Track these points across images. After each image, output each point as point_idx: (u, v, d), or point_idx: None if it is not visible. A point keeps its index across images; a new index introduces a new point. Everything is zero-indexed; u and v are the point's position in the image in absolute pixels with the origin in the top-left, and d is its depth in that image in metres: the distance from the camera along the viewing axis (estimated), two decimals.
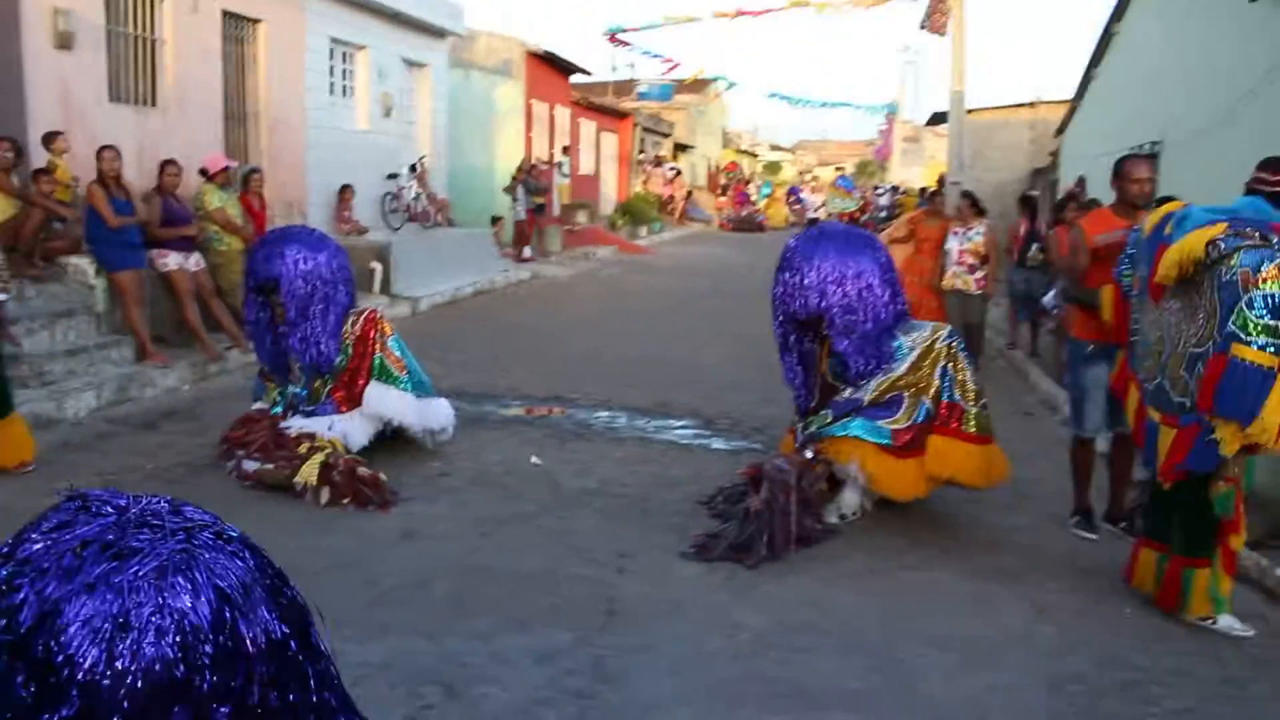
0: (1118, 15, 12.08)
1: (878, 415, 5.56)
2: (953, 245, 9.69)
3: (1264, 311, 3.89)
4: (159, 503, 1.18)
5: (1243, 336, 3.92)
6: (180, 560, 1.08)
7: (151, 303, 8.50)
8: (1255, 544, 4.98)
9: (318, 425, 5.96)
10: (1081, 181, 12.79)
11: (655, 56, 28.50)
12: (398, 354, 6.34)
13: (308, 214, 13.19)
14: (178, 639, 1.03)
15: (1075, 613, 4.62)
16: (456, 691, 3.63)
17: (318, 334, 6.06)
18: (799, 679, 3.85)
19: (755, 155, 60.64)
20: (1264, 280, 3.91)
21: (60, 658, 0.98)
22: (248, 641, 1.07)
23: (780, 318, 5.97)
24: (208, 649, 1.04)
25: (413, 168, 15.92)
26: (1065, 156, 15.38)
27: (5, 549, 1.10)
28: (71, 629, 0.99)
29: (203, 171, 9.44)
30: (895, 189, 31.50)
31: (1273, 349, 3.87)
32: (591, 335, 11.66)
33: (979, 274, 9.59)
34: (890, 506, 5.73)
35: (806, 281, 5.65)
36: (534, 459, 6.60)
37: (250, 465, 5.82)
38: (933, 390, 5.55)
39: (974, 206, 10.49)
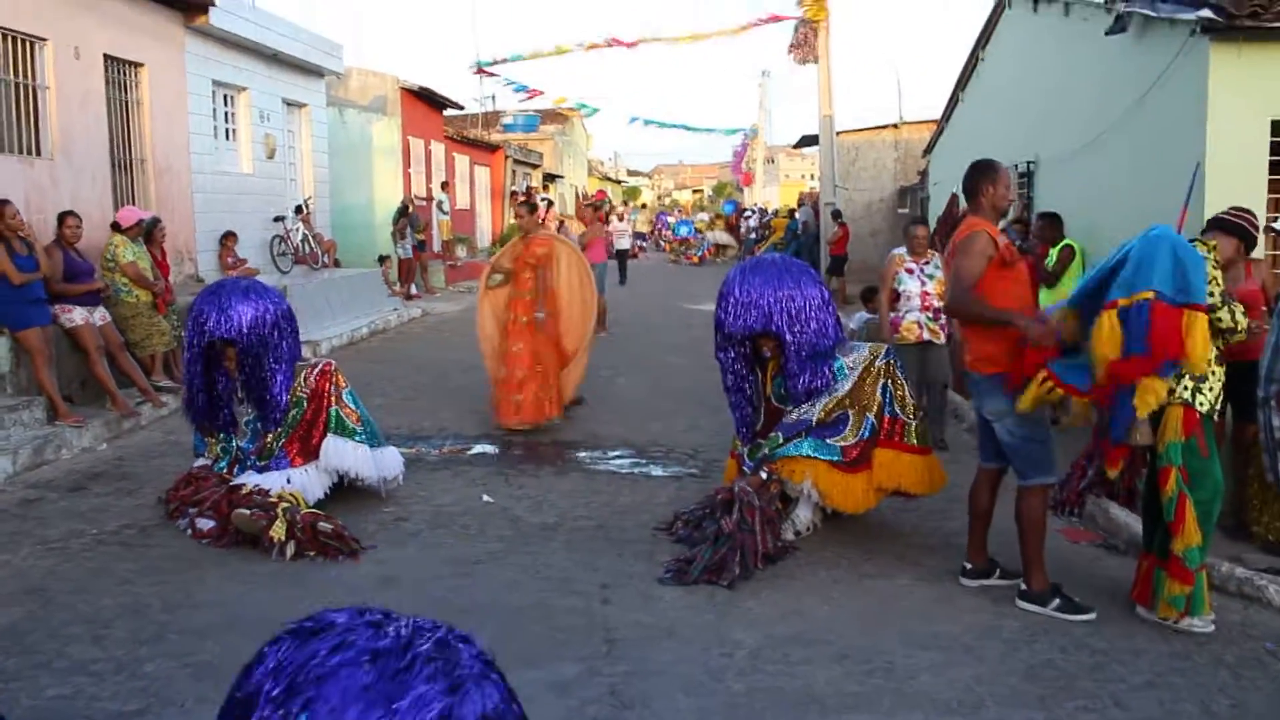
0: (983, 42, 12.89)
1: (826, 433, 5.84)
2: (911, 286, 7.75)
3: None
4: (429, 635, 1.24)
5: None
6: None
7: (57, 360, 8.18)
8: None
9: (273, 480, 5.88)
10: (955, 199, 13.56)
11: (521, 89, 28.76)
12: (352, 406, 6.32)
13: (197, 260, 12.87)
14: None
15: None
16: None
17: (272, 387, 5.99)
18: (805, 688, 4.07)
19: (619, 182, 61.52)
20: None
21: None
22: None
23: (720, 339, 6.15)
24: None
25: (298, 209, 15.68)
26: (934, 175, 16.19)
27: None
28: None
29: (114, 225, 9.21)
30: (764, 211, 32.33)
31: None
32: None
33: (944, 319, 7.54)
34: (838, 520, 6.04)
35: (760, 301, 5.87)
36: (485, 497, 6.67)
37: (205, 523, 5.70)
38: (875, 406, 5.86)
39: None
